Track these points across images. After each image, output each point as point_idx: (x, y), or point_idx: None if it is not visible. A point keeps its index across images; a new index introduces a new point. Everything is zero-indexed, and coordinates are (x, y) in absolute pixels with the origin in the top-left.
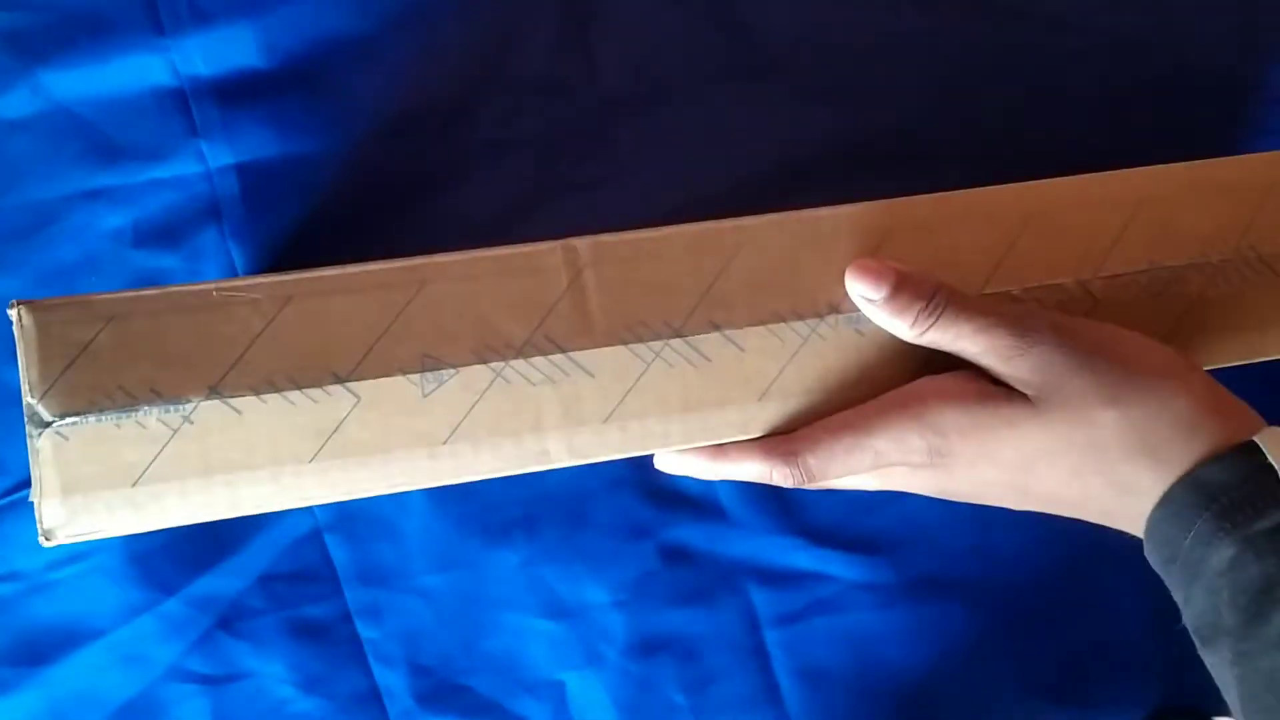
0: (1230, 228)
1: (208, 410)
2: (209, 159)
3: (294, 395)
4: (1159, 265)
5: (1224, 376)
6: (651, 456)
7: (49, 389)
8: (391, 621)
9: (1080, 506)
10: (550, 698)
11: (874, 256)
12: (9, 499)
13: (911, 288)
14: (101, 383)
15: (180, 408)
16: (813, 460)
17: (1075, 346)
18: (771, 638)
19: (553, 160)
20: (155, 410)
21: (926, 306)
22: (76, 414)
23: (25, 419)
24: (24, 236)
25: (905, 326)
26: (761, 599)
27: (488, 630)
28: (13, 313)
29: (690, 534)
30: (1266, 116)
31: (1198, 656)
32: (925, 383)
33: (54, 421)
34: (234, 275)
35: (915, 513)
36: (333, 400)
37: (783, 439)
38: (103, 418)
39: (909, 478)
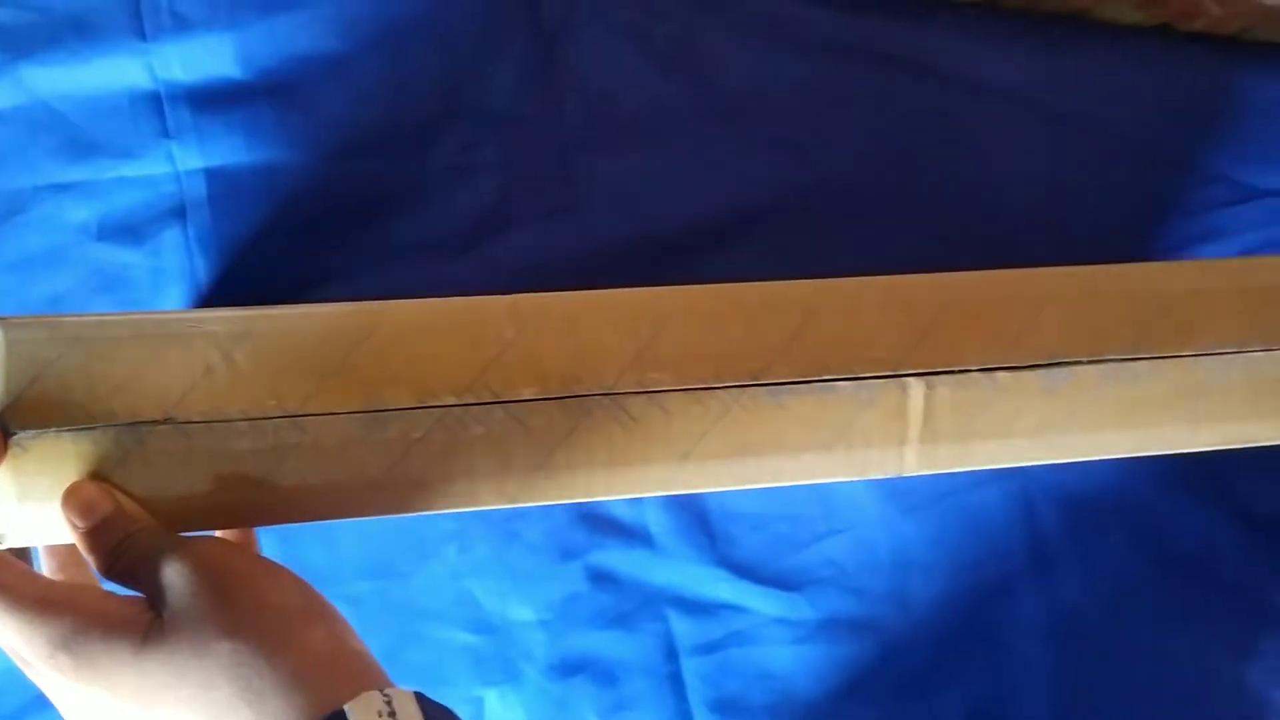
0: None
1: (162, 434)
2: (178, 161)
3: (242, 426)
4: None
5: None
6: None
7: (13, 402)
8: None
9: None
10: (468, 714)
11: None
12: None
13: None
14: (63, 400)
15: (136, 430)
16: None
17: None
18: (689, 666)
19: (510, 191)
20: (112, 430)
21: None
22: (36, 428)
23: None
24: None
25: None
26: (681, 627)
27: (412, 641)
28: None
29: (618, 558)
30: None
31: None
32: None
33: (16, 433)
34: (193, 275)
35: (836, 555)
36: (274, 433)
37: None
38: (61, 433)
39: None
